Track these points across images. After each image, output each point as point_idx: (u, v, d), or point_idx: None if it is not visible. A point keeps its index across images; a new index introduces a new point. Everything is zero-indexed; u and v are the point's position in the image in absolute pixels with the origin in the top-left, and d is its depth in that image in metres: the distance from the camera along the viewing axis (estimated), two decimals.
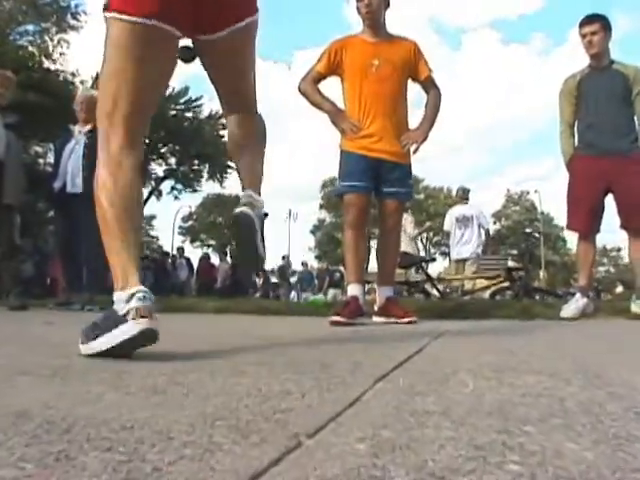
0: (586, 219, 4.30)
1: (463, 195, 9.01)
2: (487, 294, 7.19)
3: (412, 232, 8.48)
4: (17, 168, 5.34)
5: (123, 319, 1.53)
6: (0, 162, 5.07)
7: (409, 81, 3.99)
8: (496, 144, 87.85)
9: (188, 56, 1.98)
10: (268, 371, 1.36)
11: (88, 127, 5.56)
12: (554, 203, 47.59)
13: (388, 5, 3.97)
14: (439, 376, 1.31)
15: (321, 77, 3.99)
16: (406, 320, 3.66)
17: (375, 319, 3.87)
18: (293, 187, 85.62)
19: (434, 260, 8.15)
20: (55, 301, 5.99)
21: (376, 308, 3.95)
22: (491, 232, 9.12)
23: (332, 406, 0.96)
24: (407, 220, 8.30)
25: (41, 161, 20.17)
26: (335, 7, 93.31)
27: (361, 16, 3.95)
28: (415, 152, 3.90)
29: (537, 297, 6.90)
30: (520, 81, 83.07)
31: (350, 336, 2.75)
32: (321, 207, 54.58)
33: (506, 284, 6.95)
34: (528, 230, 32.82)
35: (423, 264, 7.11)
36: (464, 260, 8.48)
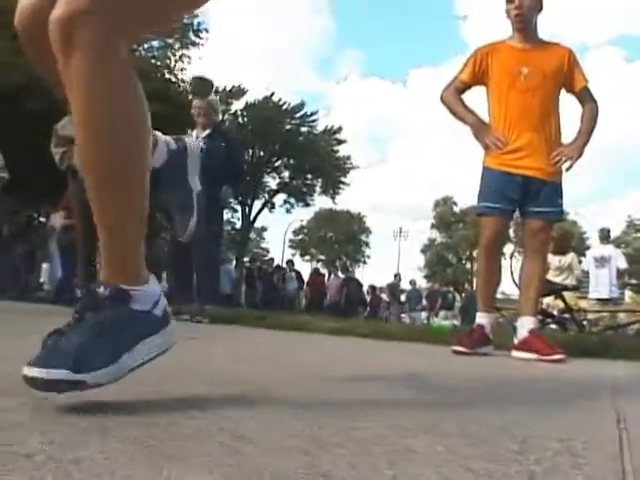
0: None
1: (603, 235, 9.35)
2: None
3: (580, 273, 8.27)
4: None
5: (164, 320, 1.18)
6: None
7: (562, 92, 3.62)
8: (616, 166, 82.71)
9: (203, 89, 1.51)
10: (445, 449, 0.91)
11: (207, 131, 5.58)
12: None
13: (541, 8, 3.60)
14: None
15: (465, 87, 3.69)
16: (554, 358, 3.15)
17: (515, 354, 3.39)
18: (405, 205, 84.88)
19: (577, 288, 7.50)
20: None
21: (516, 341, 3.46)
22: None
23: None
24: (574, 260, 8.19)
25: None
26: (451, 25, 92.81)
27: (510, 20, 3.61)
28: (568, 170, 3.55)
29: None
30: None
31: (505, 378, 2.30)
32: (432, 226, 53.65)
33: None
34: None
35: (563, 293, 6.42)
36: (602, 300, 8.42)
